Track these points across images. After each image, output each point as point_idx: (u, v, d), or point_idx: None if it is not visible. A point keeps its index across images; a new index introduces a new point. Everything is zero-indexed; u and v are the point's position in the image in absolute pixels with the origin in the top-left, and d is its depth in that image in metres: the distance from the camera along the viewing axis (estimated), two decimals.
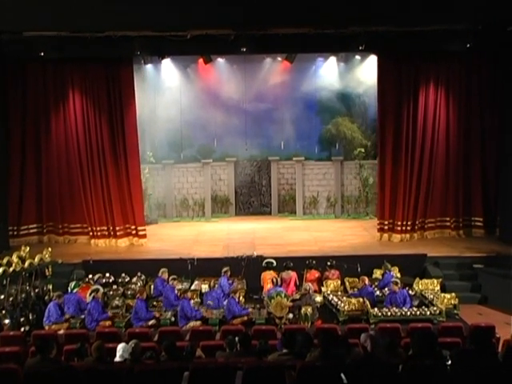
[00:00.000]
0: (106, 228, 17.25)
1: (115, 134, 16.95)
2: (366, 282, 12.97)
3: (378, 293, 13.15)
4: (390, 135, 16.85)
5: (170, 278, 13.40)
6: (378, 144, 17.32)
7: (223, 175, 21.89)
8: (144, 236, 17.41)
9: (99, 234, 17.22)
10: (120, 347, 8.03)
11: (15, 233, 17.28)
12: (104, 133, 16.91)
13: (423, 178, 16.90)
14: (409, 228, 17.02)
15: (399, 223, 16.99)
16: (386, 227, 17.22)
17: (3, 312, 11.74)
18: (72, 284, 13.25)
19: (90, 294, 12.26)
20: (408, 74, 16.67)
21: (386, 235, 17.20)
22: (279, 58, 19.44)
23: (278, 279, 13.29)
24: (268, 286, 13.45)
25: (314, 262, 14.20)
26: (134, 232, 17.34)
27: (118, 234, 17.23)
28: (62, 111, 17.04)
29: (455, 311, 12.44)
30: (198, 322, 11.79)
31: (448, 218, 17.43)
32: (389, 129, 16.85)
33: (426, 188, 17.00)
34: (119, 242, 17.24)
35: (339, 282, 13.75)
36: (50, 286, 13.36)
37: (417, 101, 16.72)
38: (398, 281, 12.86)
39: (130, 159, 17.06)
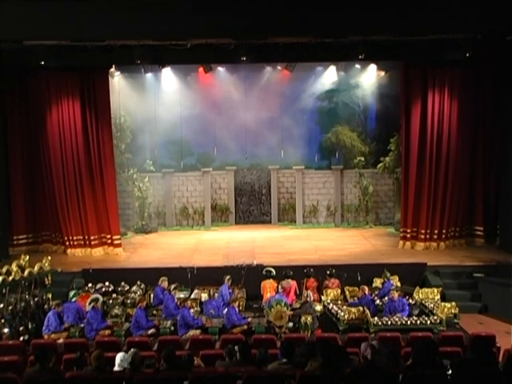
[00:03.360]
0: (81, 237, 17.27)
1: (90, 143, 16.94)
2: (366, 291, 12.94)
3: (378, 302, 13.14)
4: (414, 145, 16.74)
5: (171, 286, 13.38)
6: (403, 153, 17.14)
7: (223, 184, 21.89)
8: (119, 245, 17.40)
9: (75, 243, 17.23)
10: (119, 356, 7.98)
11: (14, 242, 17.28)
12: (79, 142, 16.90)
13: (449, 186, 16.79)
14: (435, 236, 16.90)
15: (423, 231, 16.93)
16: (408, 235, 17.17)
17: (2, 321, 11.71)
18: (71, 293, 13.19)
19: (90, 304, 12.23)
20: (433, 82, 16.56)
21: (408, 243, 17.16)
22: (279, 67, 19.48)
23: (280, 288, 13.28)
24: (268, 294, 13.43)
25: (311, 270, 14.20)
26: (109, 241, 17.37)
27: (92, 243, 17.25)
28: (50, 120, 16.98)
29: (455, 320, 12.40)
30: (198, 331, 11.76)
31: (456, 228, 17.38)
32: (414, 138, 16.77)
33: (451, 197, 16.86)
34: (94, 252, 17.24)
35: (339, 290, 13.72)
36: (50, 295, 13.34)
37: (427, 108, 16.66)
38: (397, 288, 12.89)
39: (106, 168, 17.09)
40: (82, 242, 17.27)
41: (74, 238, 17.22)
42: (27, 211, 17.48)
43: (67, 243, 17.27)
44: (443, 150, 16.66)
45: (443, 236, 17.00)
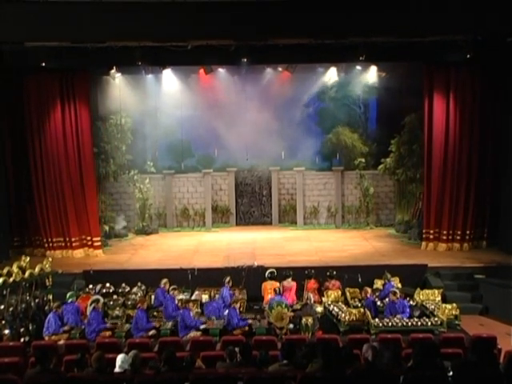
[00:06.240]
0: (62, 239, 17.25)
1: (68, 144, 16.92)
2: (369, 293, 12.92)
3: (378, 303, 13.12)
4: (437, 146, 16.67)
5: (171, 288, 13.36)
6: (425, 154, 17.02)
7: (224, 185, 21.88)
8: (99, 247, 17.42)
9: (55, 245, 17.22)
10: (120, 358, 7.99)
11: (15, 243, 17.31)
12: (59, 143, 16.87)
13: (471, 187, 16.73)
14: (458, 237, 16.81)
15: (445, 232, 16.84)
16: (431, 236, 17.08)
17: (3, 322, 11.70)
18: (68, 294, 12.99)
19: (91, 305, 12.21)
20: (455, 82, 16.51)
21: (431, 244, 17.07)
22: (280, 68, 19.46)
23: (280, 288, 13.26)
24: (269, 296, 13.42)
25: (312, 271, 14.19)
26: (89, 243, 17.37)
27: (73, 244, 17.23)
28: (30, 121, 16.92)
29: (456, 322, 12.39)
30: (199, 333, 11.75)
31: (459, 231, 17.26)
32: (436, 140, 16.70)
33: (474, 198, 16.79)
34: (74, 253, 17.23)
35: (340, 292, 13.70)
36: (51, 296, 13.32)
37: (449, 108, 16.61)
38: (397, 290, 12.88)
39: (85, 170, 17.10)
40: (63, 244, 17.25)
41: (54, 239, 17.21)
42: (17, 213, 17.48)
43: (46, 245, 17.25)
44: (464, 149, 16.57)
45: (467, 237, 16.90)
